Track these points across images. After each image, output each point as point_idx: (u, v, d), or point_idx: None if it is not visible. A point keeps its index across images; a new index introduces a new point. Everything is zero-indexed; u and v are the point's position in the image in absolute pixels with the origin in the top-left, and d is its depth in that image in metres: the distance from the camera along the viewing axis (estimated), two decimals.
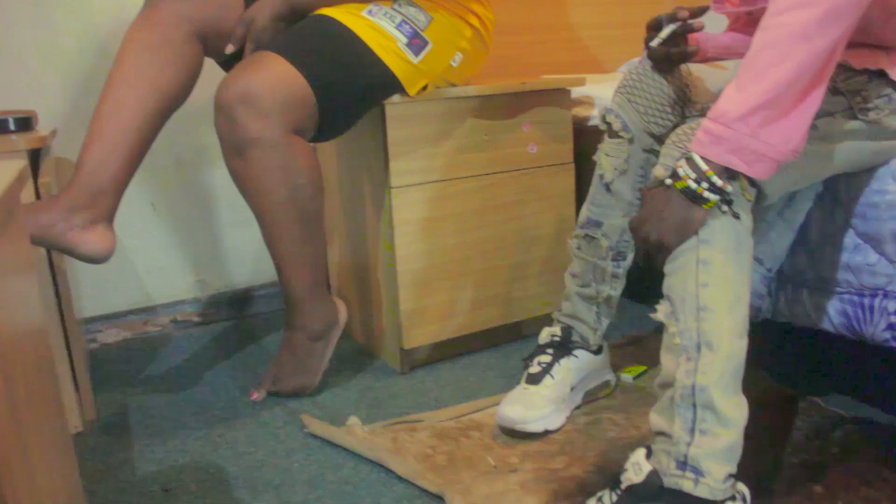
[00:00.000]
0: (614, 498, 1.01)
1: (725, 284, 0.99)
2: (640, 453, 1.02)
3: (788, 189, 1.13)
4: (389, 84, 1.47)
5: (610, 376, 1.52)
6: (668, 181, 0.99)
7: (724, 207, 0.99)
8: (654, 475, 0.99)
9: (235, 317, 2.06)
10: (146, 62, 1.39)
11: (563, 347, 1.43)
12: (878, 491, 1.18)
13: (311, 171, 1.41)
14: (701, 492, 0.97)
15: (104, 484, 1.31)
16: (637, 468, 1.01)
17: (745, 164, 0.96)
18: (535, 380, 1.41)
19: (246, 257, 2.06)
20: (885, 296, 1.20)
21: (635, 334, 1.83)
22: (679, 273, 1.01)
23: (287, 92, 1.36)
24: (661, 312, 1.04)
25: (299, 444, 1.42)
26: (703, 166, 0.96)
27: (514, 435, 1.39)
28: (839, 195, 1.24)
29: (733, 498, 0.99)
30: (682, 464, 0.98)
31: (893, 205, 1.16)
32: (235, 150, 1.37)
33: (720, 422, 0.98)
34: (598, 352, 1.47)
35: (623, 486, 1.01)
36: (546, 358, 1.43)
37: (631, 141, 1.33)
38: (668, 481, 0.98)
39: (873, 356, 1.54)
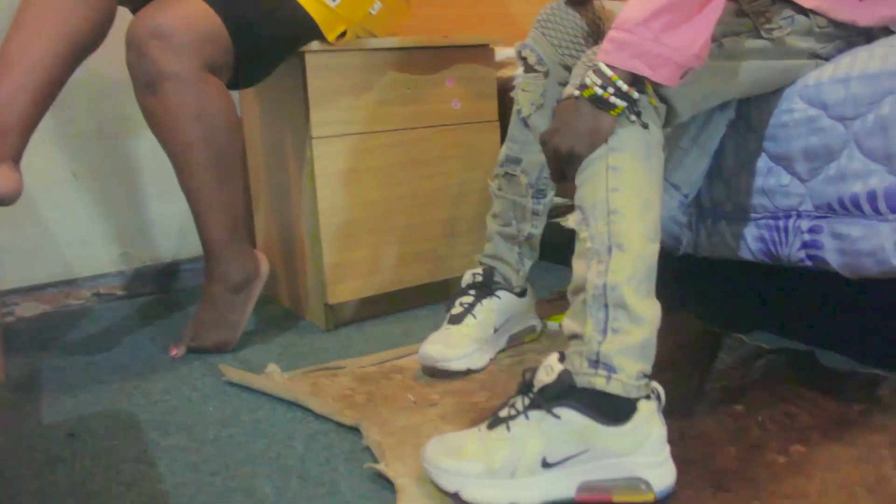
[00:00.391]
0: (526, 402, 1.00)
1: (636, 189, 0.99)
2: (553, 357, 1.01)
3: (698, 107, 1.13)
4: (306, 27, 1.46)
5: (535, 321, 1.51)
6: (577, 92, 1.00)
7: (633, 117, 0.99)
8: (565, 374, 0.98)
9: (161, 291, 2.01)
10: (54, 2, 1.36)
11: (486, 288, 1.42)
12: (798, 407, 1.19)
13: (226, 111, 1.39)
14: (613, 388, 0.96)
15: (6, 434, 1.26)
16: (549, 370, 0.99)
17: (649, 69, 0.96)
18: (456, 320, 1.40)
19: (172, 230, 2.01)
20: (799, 216, 1.21)
21: (563, 290, 1.82)
22: (590, 182, 1.01)
23: (201, 28, 1.34)
24: (571, 220, 1.03)
25: (216, 391, 1.38)
26: (609, 73, 0.97)
27: (437, 375, 1.37)
28: (751, 120, 1.26)
29: (647, 397, 0.98)
30: (595, 362, 0.97)
31: (801, 122, 1.18)
32: (147, 87, 1.34)
33: (632, 319, 0.97)
34: (521, 294, 1.46)
35: (535, 388, 1.00)
36: (468, 299, 1.42)
37: (546, 75, 1.34)
38: (581, 380, 0.97)
39: (794, 291, 1.55)
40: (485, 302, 1.41)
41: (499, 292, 1.42)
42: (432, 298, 1.77)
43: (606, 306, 0.97)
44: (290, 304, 1.82)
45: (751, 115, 1.26)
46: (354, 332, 1.64)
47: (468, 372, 1.36)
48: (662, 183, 1.05)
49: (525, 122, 1.36)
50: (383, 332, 1.64)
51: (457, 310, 1.41)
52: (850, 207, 1.14)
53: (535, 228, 1.41)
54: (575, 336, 1.00)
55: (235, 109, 1.42)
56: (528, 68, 1.35)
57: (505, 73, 1.87)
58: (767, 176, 1.25)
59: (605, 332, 0.97)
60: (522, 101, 1.36)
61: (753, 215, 1.28)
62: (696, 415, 1.18)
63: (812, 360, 1.35)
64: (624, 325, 0.97)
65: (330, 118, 1.56)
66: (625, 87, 0.96)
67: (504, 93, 1.82)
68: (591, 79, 0.98)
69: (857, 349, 1.38)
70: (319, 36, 1.49)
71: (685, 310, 1.58)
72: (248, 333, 1.65)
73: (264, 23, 1.41)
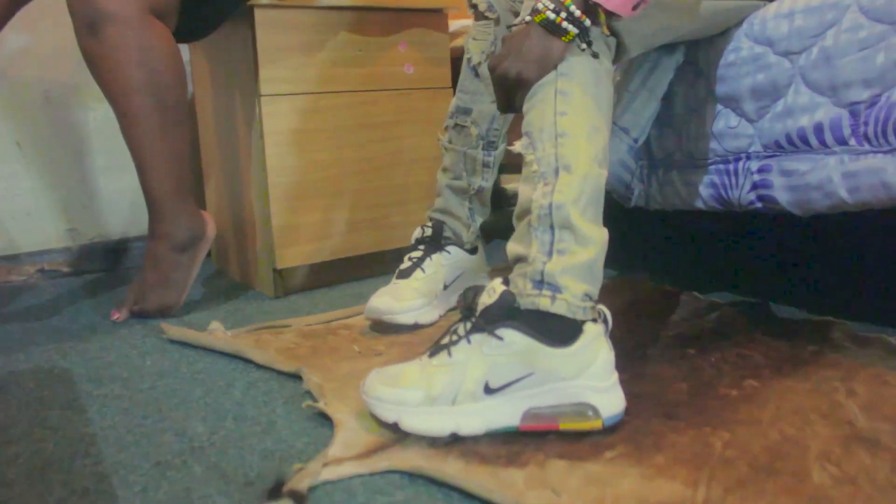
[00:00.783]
0: (468, 327, 0.96)
1: (584, 114, 0.97)
2: (496, 280, 0.98)
3: (648, 43, 1.12)
4: None
5: (487, 282, 1.48)
6: (528, 17, 0.98)
7: (583, 45, 0.97)
8: (508, 295, 0.95)
9: (109, 269, 1.95)
10: None
11: (435, 243, 1.39)
12: (752, 350, 1.17)
13: (171, 57, 1.35)
14: (558, 308, 0.93)
15: None
16: (491, 292, 0.96)
17: None
18: (405, 274, 1.36)
19: (122, 206, 1.96)
20: (748, 157, 1.20)
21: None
22: (538, 107, 0.98)
23: None
24: (518, 145, 1.00)
25: (156, 349, 1.33)
26: None
27: (384, 330, 1.33)
28: (699, 64, 1.25)
29: (594, 320, 0.95)
30: (539, 282, 0.93)
31: (747, 60, 1.18)
32: (88, 28, 1.30)
33: (578, 240, 0.94)
34: (472, 252, 1.43)
35: (478, 312, 0.96)
36: (417, 253, 1.38)
37: (497, 22, 1.32)
38: (524, 301, 0.94)
39: (747, 250, 1.53)
40: (434, 257, 1.37)
41: (449, 247, 1.39)
42: (384, 268, 1.73)
43: (552, 227, 0.94)
44: (240, 275, 1.77)
45: (699, 58, 1.25)
46: (303, 300, 1.60)
47: (416, 326, 1.32)
48: (611, 114, 1.03)
49: (475, 72, 1.34)
50: (333, 299, 1.60)
51: (405, 264, 1.38)
52: (797, 143, 1.13)
53: (486, 181, 1.39)
54: (519, 259, 0.97)
55: (181, 57, 1.38)
56: (479, 15, 1.33)
57: (459, 42, 1.86)
58: (717, 120, 1.24)
59: (550, 253, 0.94)
60: (473, 49, 1.34)
61: (704, 161, 1.27)
62: (648, 359, 1.16)
63: (766, 310, 1.33)
64: (570, 245, 0.94)
65: (279, 76, 1.53)
66: (577, 13, 0.95)
67: (457, 62, 1.80)
68: (543, 3, 0.96)
69: (811, 302, 1.37)
70: None
71: (639, 270, 1.57)
72: (195, 301, 1.60)
73: None
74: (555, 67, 0.97)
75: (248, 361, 1.24)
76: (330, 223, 1.63)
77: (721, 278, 1.53)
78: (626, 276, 1.58)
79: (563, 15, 0.95)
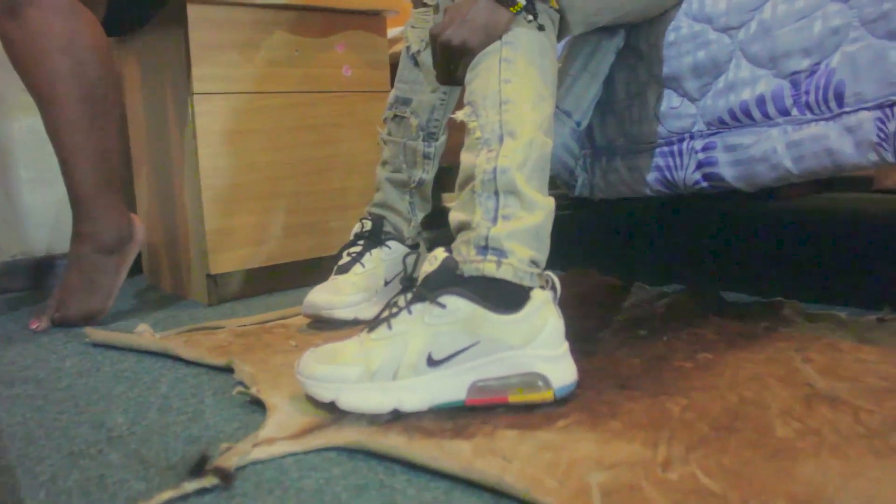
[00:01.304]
0: (409, 297, 0.91)
1: (529, 82, 0.94)
2: (439, 249, 0.93)
3: (590, 22, 1.10)
4: None
5: None
6: None
7: (529, 17, 0.95)
8: (450, 260, 0.90)
9: (33, 287, 1.85)
10: None
11: (375, 237, 1.33)
12: (704, 329, 1.13)
13: (98, 47, 1.29)
14: (504, 273, 0.88)
15: None
16: (433, 260, 0.91)
17: None
18: (343, 269, 1.31)
19: (46, 221, 1.86)
20: (692, 137, 1.19)
21: None
22: (482, 75, 0.95)
23: None
24: (461, 114, 0.97)
25: (77, 351, 1.24)
26: None
27: (322, 326, 1.27)
28: (639, 47, 1.24)
29: (542, 287, 0.91)
30: (483, 248, 0.89)
31: (687, 38, 1.17)
32: (8, 10, 1.22)
33: (524, 206, 0.90)
34: (413, 248, 1.38)
35: (419, 282, 0.91)
36: (356, 248, 1.33)
37: (436, 9, 1.29)
38: (468, 268, 0.89)
39: (693, 241, 1.52)
40: (374, 252, 1.32)
41: (389, 242, 1.34)
42: (323, 274, 1.65)
43: (497, 193, 0.90)
44: (172, 285, 1.69)
45: (639, 41, 1.24)
46: (239, 307, 1.52)
47: (356, 322, 1.26)
48: (556, 86, 1.00)
49: (415, 60, 1.31)
50: (270, 306, 1.52)
51: (344, 260, 1.32)
52: (740, 117, 1.11)
53: (427, 174, 1.34)
54: (462, 226, 0.92)
55: (110, 47, 1.32)
56: (418, 2, 1.30)
57: (398, 48, 1.83)
58: (659, 101, 1.22)
59: (495, 219, 0.90)
60: (412, 37, 1.31)
61: (648, 145, 1.25)
62: (600, 340, 1.11)
63: (716, 295, 1.31)
64: (515, 210, 0.90)
65: (213, 74, 1.47)
66: None
67: (396, 67, 1.77)
68: None
69: (760, 288, 1.34)
70: None
71: (588, 266, 1.53)
72: (123, 311, 1.51)
73: None
74: (500, 37, 0.95)
75: (176, 359, 1.16)
76: (266, 227, 1.57)
77: (668, 273, 1.51)
78: (571, 269, 1.54)
79: None
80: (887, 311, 1.12)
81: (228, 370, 1.08)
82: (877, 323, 1.09)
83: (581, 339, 1.11)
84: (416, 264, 0.91)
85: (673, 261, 1.52)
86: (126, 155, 1.82)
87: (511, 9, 0.94)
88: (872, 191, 1.90)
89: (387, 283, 1.32)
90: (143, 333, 1.26)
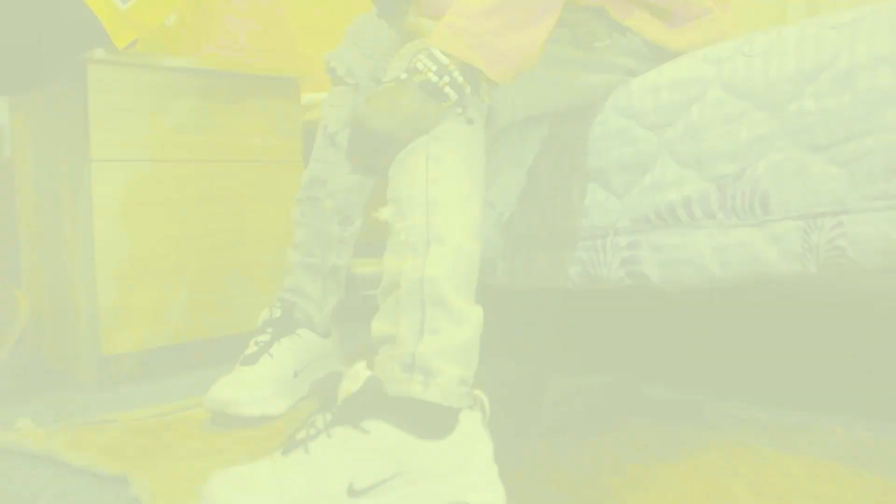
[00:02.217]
0: (328, 418, 0.84)
1: (457, 181, 0.90)
2: (360, 364, 0.86)
3: (517, 113, 1.07)
4: (86, 24, 1.29)
5: (341, 368, 1.36)
6: (404, 75, 0.90)
7: (459, 109, 0.91)
8: (374, 381, 0.84)
9: None
10: None
11: (284, 325, 1.26)
12: (628, 434, 1.10)
13: None
14: (432, 395, 0.82)
15: None
16: (355, 377, 0.85)
17: (486, 63, 0.91)
18: (250, 360, 1.22)
19: None
20: (616, 233, 1.17)
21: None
22: (408, 173, 0.90)
23: None
24: (385, 212, 0.91)
25: None
26: (444, 60, 0.90)
27: (227, 423, 1.18)
28: (565, 138, 1.22)
29: (471, 407, 0.85)
30: (409, 365, 0.83)
31: (614, 133, 1.16)
32: None
33: (452, 318, 0.85)
34: (325, 335, 1.30)
35: (340, 401, 0.84)
36: (264, 337, 1.25)
37: (356, 89, 1.24)
38: (393, 388, 0.83)
39: (615, 329, 1.51)
40: (283, 340, 1.24)
41: (299, 330, 1.26)
42: (228, 354, 1.56)
43: (423, 304, 0.85)
44: (59, 363, 1.55)
45: (565, 133, 1.22)
46: (135, 391, 1.40)
47: (264, 418, 1.18)
48: (485, 183, 0.96)
49: (332, 140, 1.25)
50: (169, 390, 1.41)
51: (251, 349, 1.24)
52: (666, 217, 1.10)
53: (341, 258, 1.28)
54: (386, 340, 0.87)
55: None
56: (337, 80, 1.25)
57: (313, 116, 1.77)
58: (583, 195, 1.20)
59: (421, 332, 0.84)
60: (330, 117, 1.26)
61: (570, 238, 1.22)
62: (521, 447, 1.07)
63: (636, 391, 1.29)
64: (443, 325, 0.85)
65: (114, 140, 1.37)
66: (460, 80, 0.90)
67: (309, 136, 1.71)
68: (424, 63, 0.90)
69: (681, 380, 1.34)
70: (105, 41, 1.32)
71: (504, 357, 1.50)
72: (2, 392, 1.38)
73: (30, 11, 1.23)
74: (427, 131, 0.90)
75: (61, 465, 1.05)
76: (167, 305, 1.46)
77: (587, 360, 1.49)
78: (487, 360, 1.51)
79: (447, 80, 0.89)
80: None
81: (123, 481, 0.98)
82: (796, 427, 1.09)
83: (506, 448, 1.06)
84: (335, 383, 0.86)
85: (590, 348, 1.51)
86: (9, 221, 1.69)
87: (443, 104, 0.90)
88: None
89: (296, 375, 1.24)
90: (23, 429, 1.14)
